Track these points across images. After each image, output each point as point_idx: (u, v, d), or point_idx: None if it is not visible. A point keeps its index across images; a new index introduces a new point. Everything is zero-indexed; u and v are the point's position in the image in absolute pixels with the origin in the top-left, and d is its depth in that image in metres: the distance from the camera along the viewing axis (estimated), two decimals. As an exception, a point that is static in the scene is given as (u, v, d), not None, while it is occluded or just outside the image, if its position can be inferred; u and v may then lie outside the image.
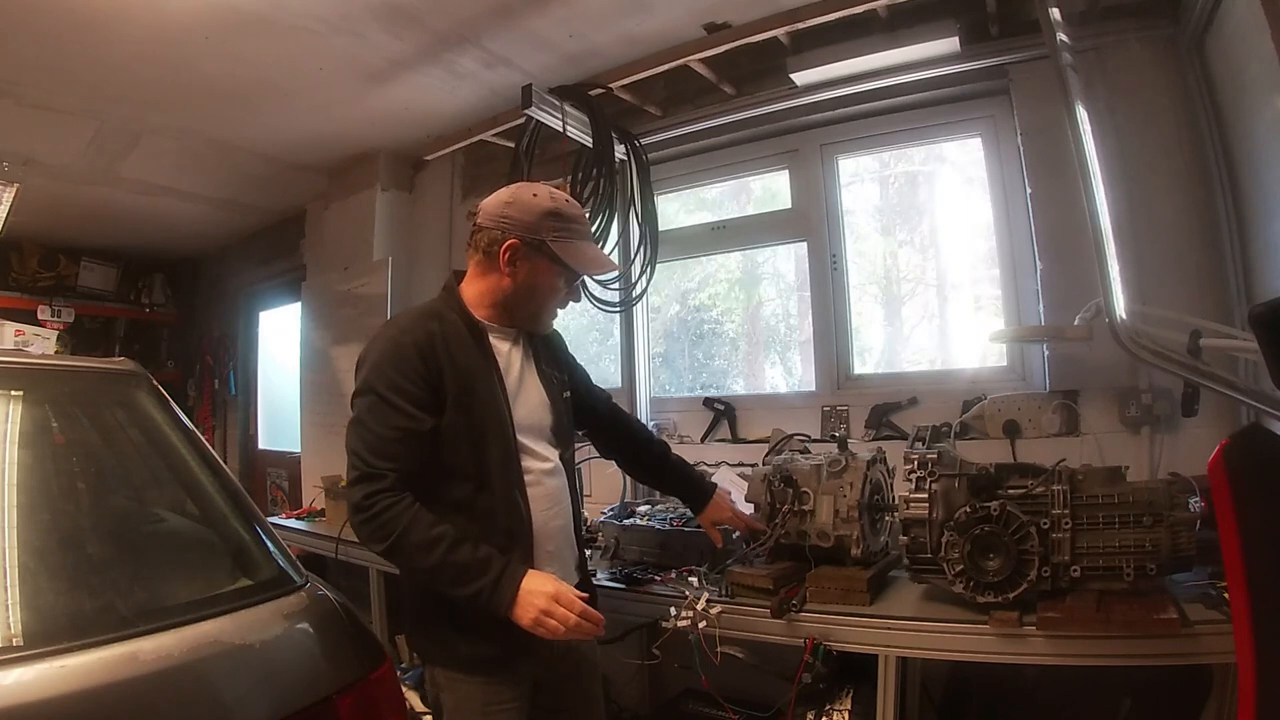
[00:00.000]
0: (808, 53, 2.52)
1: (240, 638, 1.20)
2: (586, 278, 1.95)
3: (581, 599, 1.42)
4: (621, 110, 2.99)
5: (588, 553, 1.87)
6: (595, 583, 1.91)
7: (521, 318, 1.60)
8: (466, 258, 1.60)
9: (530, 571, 1.42)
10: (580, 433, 1.87)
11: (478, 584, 1.38)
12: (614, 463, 2.03)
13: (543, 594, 1.38)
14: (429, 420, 1.44)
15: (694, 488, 1.93)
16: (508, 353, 1.59)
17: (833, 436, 2.37)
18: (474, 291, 1.58)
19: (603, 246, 2.82)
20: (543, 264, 1.53)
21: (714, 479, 2.66)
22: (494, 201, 1.55)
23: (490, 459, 1.48)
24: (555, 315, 1.66)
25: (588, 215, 2.78)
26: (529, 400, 1.59)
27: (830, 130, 2.84)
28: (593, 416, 1.88)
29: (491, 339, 1.56)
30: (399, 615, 1.62)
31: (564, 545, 1.62)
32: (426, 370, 1.45)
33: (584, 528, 1.74)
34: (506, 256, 1.51)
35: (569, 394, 1.71)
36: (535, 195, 1.53)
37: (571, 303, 1.66)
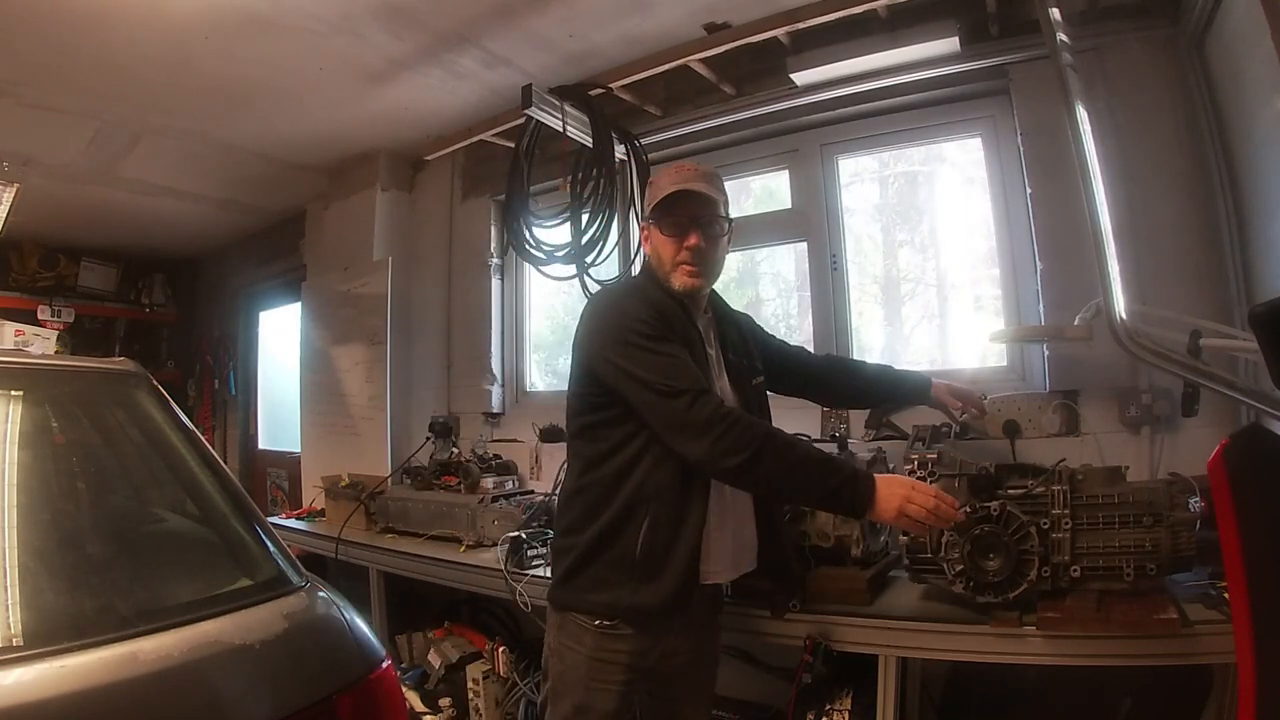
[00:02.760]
0: (808, 53, 2.52)
1: (240, 638, 1.20)
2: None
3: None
4: (621, 110, 2.99)
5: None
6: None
7: (665, 285, 1.59)
8: None
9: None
10: (792, 391, 1.96)
11: (840, 475, 1.37)
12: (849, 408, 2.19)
13: (901, 483, 1.38)
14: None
15: (916, 378, 2.01)
16: (704, 334, 1.62)
17: (833, 436, 2.37)
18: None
19: (602, 247, 2.83)
20: (651, 227, 1.61)
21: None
22: None
23: None
24: (693, 270, 1.56)
25: (587, 215, 2.80)
26: (720, 386, 1.60)
27: (830, 130, 2.84)
28: (804, 372, 1.93)
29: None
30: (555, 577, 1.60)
31: (743, 530, 1.61)
32: (662, 319, 1.48)
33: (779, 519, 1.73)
34: (644, 240, 1.65)
35: (761, 379, 1.72)
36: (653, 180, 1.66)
37: (700, 243, 1.56)
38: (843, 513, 1.62)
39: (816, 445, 1.51)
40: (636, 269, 2.90)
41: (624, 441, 1.49)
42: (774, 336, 1.95)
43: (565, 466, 1.71)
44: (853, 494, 1.36)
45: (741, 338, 1.74)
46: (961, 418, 2.03)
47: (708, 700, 1.71)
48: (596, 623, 1.48)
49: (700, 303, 1.64)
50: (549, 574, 1.76)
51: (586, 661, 1.49)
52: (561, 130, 2.64)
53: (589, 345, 1.52)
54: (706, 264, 1.59)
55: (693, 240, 1.55)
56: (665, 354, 1.43)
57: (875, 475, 1.39)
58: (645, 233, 1.64)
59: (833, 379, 1.99)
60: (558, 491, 1.85)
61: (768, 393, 1.79)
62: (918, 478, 1.69)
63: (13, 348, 2.71)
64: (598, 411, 1.53)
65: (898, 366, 2.19)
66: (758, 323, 1.92)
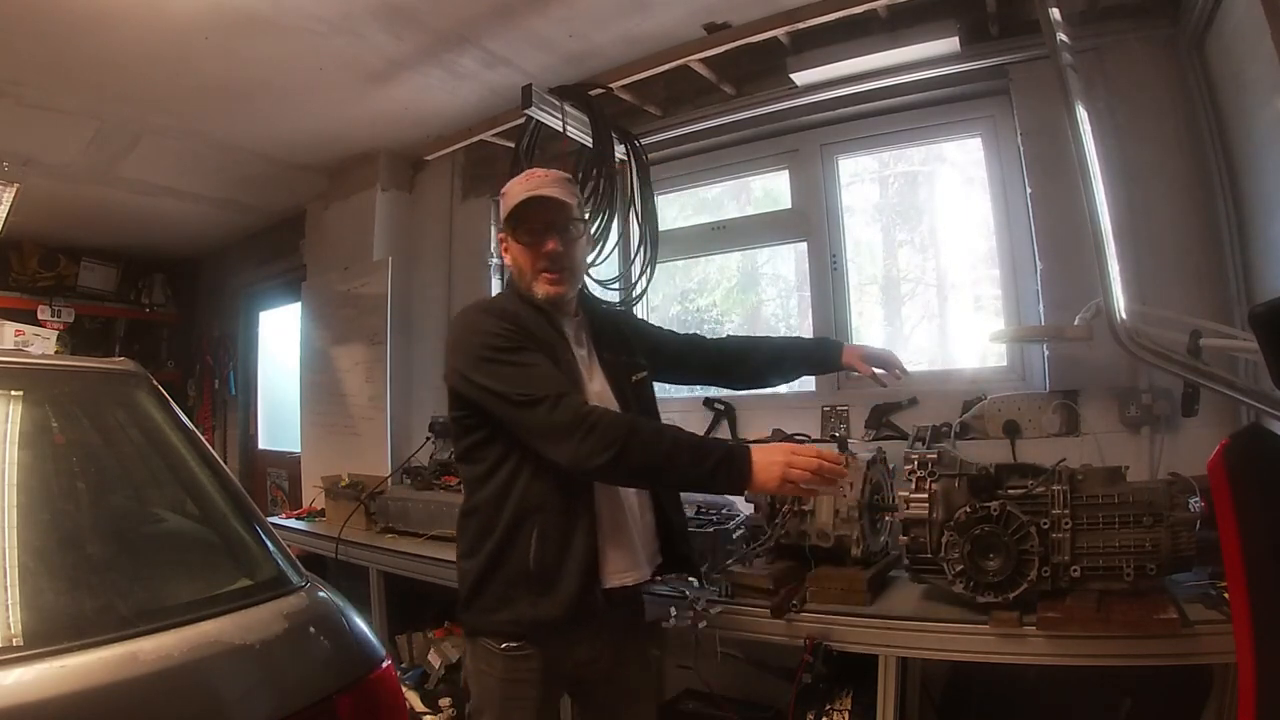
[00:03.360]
0: (808, 53, 2.52)
1: (240, 638, 1.20)
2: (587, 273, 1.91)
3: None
4: (621, 110, 2.99)
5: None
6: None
7: (528, 296, 1.57)
8: None
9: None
10: (688, 379, 1.97)
11: (714, 457, 1.33)
12: (750, 388, 2.08)
13: (778, 450, 1.34)
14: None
15: (822, 345, 1.94)
16: (573, 338, 1.60)
17: (833, 436, 2.37)
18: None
19: (602, 247, 2.82)
20: (509, 238, 1.58)
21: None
22: None
23: None
24: (553, 279, 1.55)
25: (588, 214, 2.80)
26: (592, 388, 1.58)
27: (830, 130, 2.84)
28: (697, 358, 1.89)
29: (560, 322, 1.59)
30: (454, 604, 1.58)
31: (640, 530, 1.59)
32: (519, 329, 1.48)
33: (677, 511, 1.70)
34: (503, 250, 1.61)
35: (641, 376, 1.69)
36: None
37: (558, 248, 1.54)
38: (724, 492, 1.56)
39: (687, 431, 1.45)
40: (637, 269, 2.90)
41: (501, 459, 1.49)
42: (660, 328, 1.91)
43: None
44: (729, 471, 1.33)
45: (620, 335, 1.71)
46: (880, 380, 1.89)
47: (646, 703, 1.70)
48: (503, 646, 1.48)
49: (566, 307, 1.61)
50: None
51: (499, 684, 1.49)
52: (561, 130, 2.64)
53: (449, 367, 1.51)
54: (567, 268, 1.56)
55: (550, 246, 1.53)
56: (520, 364, 1.42)
57: (751, 447, 1.36)
58: (504, 244, 1.60)
59: (733, 359, 1.91)
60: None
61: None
62: (918, 478, 1.70)
63: (13, 348, 2.71)
64: (471, 434, 1.53)
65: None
66: (636, 317, 1.90)
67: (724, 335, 2.29)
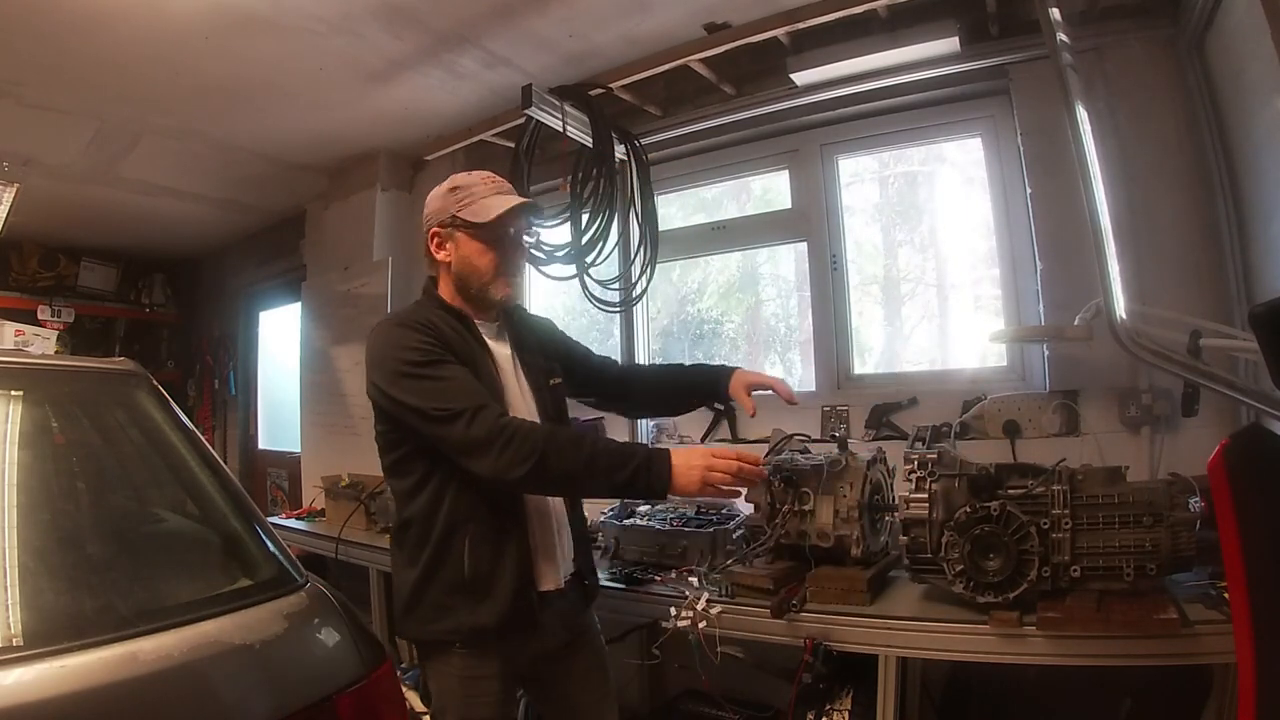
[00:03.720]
0: (808, 53, 2.52)
1: (240, 638, 1.20)
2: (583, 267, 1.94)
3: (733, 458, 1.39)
4: (621, 110, 2.99)
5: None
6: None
7: (480, 295, 1.60)
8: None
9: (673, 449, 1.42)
10: (592, 401, 1.93)
11: (634, 463, 1.36)
12: (647, 418, 2.04)
13: (699, 453, 1.38)
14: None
15: (712, 374, 1.87)
16: (494, 340, 1.63)
17: (833, 436, 2.37)
18: (443, 288, 1.64)
19: (602, 247, 2.82)
20: (461, 236, 1.58)
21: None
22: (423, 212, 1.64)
23: None
24: (511, 281, 1.62)
25: (587, 215, 2.81)
26: (510, 390, 1.60)
27: (830, 130, 2.84)
28: (601, 381, 1.90)
29: (479, 327, 1.60)
30: (393, 616, 1.60)
31: (564, 535, 1.64)
32: (437, 342, 1.48)
33: (584, 522, 1.75)
34: (434, 245, 1.61)
35: (558, 381, 1.72)
36: (440, 185, 1.64)
37: (528, 259, 1.63)
38: (645, 497, 1.64)
39: (608, 437, 1.52)
40: (637, 269, 2.90)
41: (428, 472, 1.50)
42: (578, 344, 1.92)
43: None
44: (649, 477, 1.36)
45: (538, 340, 1.75)
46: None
47: (606, 693, 1.73)
48: (458, 644, 1.49)
49: (491, 312, 1.64)
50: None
51: (459, 682, 1.50)
52: (561, 130, 2.64)
53: (369, 382, 1.52)
54: (522, 272, 1.65)
55: (521, 253, 1.62)
56: (437, 378, 1.43)
57: (671, 450, 1.39)
58: (444, 242, 1.59)
59: (629, 388, 1.93)
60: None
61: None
62: (918, 478, 1.70)
63: (13, 348, 2.71)
64: (397, 448, 1.54)
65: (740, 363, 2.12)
66: (557, 327, 1.90)
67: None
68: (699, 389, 1.89)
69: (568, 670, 1.67)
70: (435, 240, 1.61)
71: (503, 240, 1.59)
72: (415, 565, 1.53)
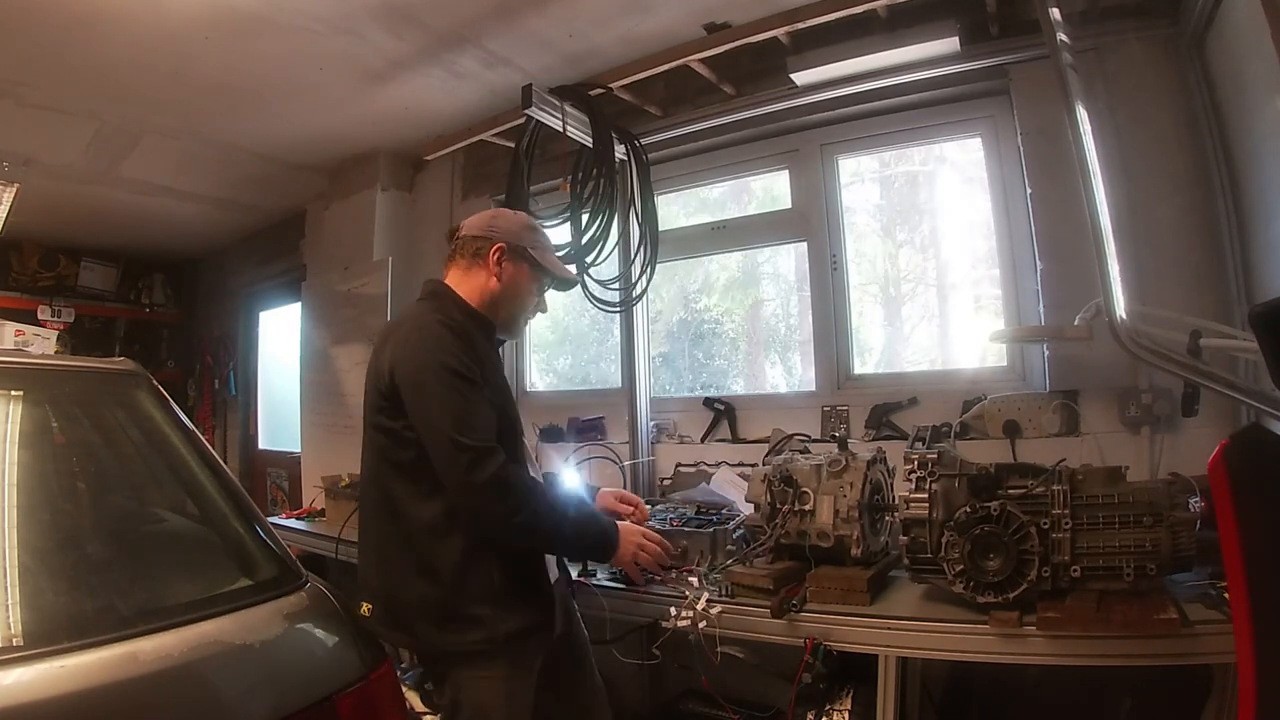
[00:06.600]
0: (808, 53, 2.52)
1: (240, 638, 1.20)
2: (587, 279, 2.02)
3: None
4: (621, 110, 2.99)
5: None
6: (596, 582, 1.95)
7: (503, 319, 1.70)
8: (444, 270, 1.72)
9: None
10: None
11: (596, 529, 1.64)
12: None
13: (635, 531, 1.71)
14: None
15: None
16: (500, 356, 1.72)
17: (833, 436, 2.37)
18: (465, 291, 1.67)
19: (602, 247, 2.83)
20: (524, 268, 1.69)
21: (714, 479, 2.67)
22: (479, 217, 1.74)
23: (520, 444, 1.63)
24: (526, 324, 1.83)
25: (587, 215, 2.81)
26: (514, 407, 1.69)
27: (830, 130, 2.84)
28: None
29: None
30: (395, 623, 1.56)
31: None
32: (473, 353, 1.53)
33: None
34: (496, 257, 1.66)
35: None
36: (516, 213, 1.80)
37: (536, 314, 1.81)
38: (591, 560, 1.91)
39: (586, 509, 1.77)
40: (637, 269, 2.90)
41: (439, 482, 1.48)
42: None
43: (361, 503, 1.75)
44: (601, 547, 1.65)
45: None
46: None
47: (595, 686, 1.86)
48: (498, 652, 1.49)
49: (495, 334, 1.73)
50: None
51: (503, 684, 1.50)
52: (561, 130, 2.64)
53: (406, 367, 1.49)
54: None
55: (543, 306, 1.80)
56: (468, 398, 1.47)
57: (619, 526, 1.68)
58: (503, 260, 1.67)
59: None
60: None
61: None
62: (918, 478, 1.70)
63: (13, 348, 2.71)
64: (413, 447, 1.50)
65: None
66: None
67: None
68: None
69: (568, 654, 1.76)
70: (498, 254, 1.67)
71: (542, 292, 1.77)
72: (431, 576, 1.49)
